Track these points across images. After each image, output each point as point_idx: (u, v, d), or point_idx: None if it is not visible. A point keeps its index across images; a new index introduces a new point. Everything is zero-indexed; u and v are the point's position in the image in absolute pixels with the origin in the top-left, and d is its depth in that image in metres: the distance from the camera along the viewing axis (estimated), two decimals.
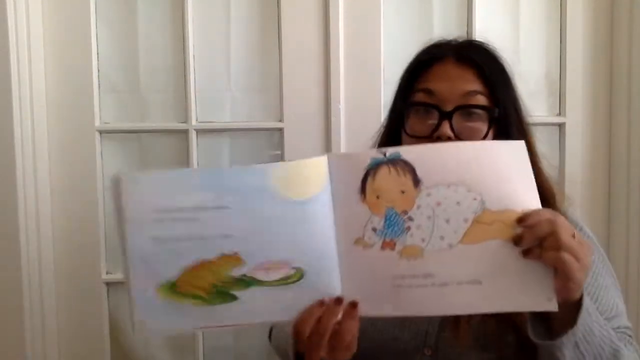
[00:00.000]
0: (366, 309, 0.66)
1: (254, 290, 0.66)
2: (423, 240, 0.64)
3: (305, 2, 1.30)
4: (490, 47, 0.87)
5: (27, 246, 1.24)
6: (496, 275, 0.63)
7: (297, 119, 1.32)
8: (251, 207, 0.64)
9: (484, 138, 0.78)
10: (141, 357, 1.39)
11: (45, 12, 1.27)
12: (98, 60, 1.31)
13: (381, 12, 1.32)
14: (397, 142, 0.86)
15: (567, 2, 1.36)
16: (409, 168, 0.64)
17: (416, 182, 0.64)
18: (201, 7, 1.32)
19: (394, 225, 0.65)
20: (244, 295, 0.66)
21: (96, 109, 1.30)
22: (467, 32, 1.34)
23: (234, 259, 0.65)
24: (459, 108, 0.78)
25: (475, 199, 0.63)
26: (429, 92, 0.81)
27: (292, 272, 0.65)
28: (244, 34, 1.34)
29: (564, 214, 0.80)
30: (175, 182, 0.65)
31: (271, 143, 1.36)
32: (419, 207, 0.64)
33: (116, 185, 0.63)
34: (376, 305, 0.66)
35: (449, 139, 0.77)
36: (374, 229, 0.65)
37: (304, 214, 0.65)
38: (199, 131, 1.34)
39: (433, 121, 0.79)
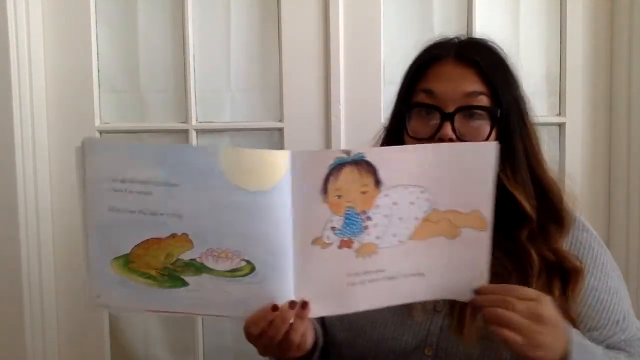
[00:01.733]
0: (318, 310, 0.67)
1: (203, 278, 0.66)
2: (378, 237, 0.66)
3: (305, 2, 1.30)
4: (493, 44, 0.85)
5: (27, 246, 1.24)
6: (437, 268, 0.68)
7: (297, 119, 1.32)
8: (200, 189, 0.64)
9: (487, 138, 0.77)
10: (141, 357, 1.39)
11: (45, 12, 1.27)
12: (98, 60, 1.31)
13: (381, 12, 1.32)
14: (399, 143, 0.85)
15: (567, 2, 1.36)
16: (371, 169, 0.64)
17: (377, 183, 0.65)
18: (201, 7, 1.32)
19: (353, 225, 0.66)
20: (194, 281, 0.67)
21: (96, 109, 1.30)
22: (467, 32, 1.34)
23: (183, 240, 0.65)
24: (460, 109, 0.77)
25: (427, 200, 0.66)
26: (429, 92, 0.80)
27: (242, 264, 0.66)
28: (244, 34, 1.34)
29: (570, 214, 0.81)
30: (130, 154, 0.65)
31: (271, 143, 1.36)
32: (377, 207, 0.65)
33: (80, 150, 0.65)
34: (328, 306, 0.68)
35: (450, 140, 0.76)
36: (333, 228, 0.66)
37: (255, 206, 0.64)
38: (199, 131, 1.34)
39: (435, 122, 0.78)
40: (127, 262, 0.67)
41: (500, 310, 0.63)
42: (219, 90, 1.34)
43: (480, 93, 0.78)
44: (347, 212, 0.65)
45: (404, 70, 0.88)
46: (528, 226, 0.78)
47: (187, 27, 1.31)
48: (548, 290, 0.74)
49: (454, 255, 0.68)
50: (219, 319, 1.38)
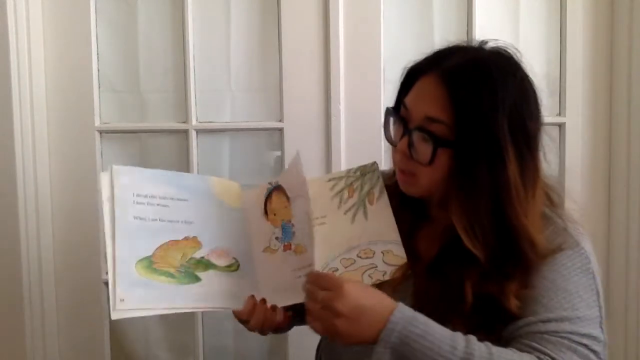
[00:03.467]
0: (280, 300, 0.83)
1: (211, 274, 0.82)
2: (302, 238, 0.85)
3: (305, 2, 1.30)
4: (486, 60, 0.77)
5: (27, 246, 1.24)
6: None
7: (297, 119, 1.32)
8: (201, 203, 0.85)
9: (430, 163, 0.75)
10: (141, 357, 1.39)
11: (45, 12, 1.27)
12: (98, 60, 1.31)
13: (381, 12, 1.32)
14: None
15: (567, 2, 1.36)
16: (283, 190, 0.88)
17: (288, 198, 0.88)
18: (201, 7, 1.32)
19: (287, 232, 0.87)
20: (205, 277, 0.81)
21: (96, 109, 1.31)
22: (467, 32, 1.34)
23: (194, 242, 0.83)
24: (416, 128, 0.77)
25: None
26: (405, 106, 0.80)
27: (232, 261, 0.84)
28: (244, 34, 1.34)
29: (542, 252, 0.74)
30: (148, 176, 0.84)
31: (271, 143, 1.36)
32: (294, 215, 0.87)
33: (112, 174, 0.80)
34: (286, 296, 0.83)
35: (403, 154, 0.78)
36: (277, 238, 0.87)
37: (236, 218, 0.87)
38: (199, 131, 1.34)
39: (400, 133, 0.80)
40: (151, 262, 0.78)
41: (306, 301, 0.72)
42: (219, 90, 1.34)
43: (440, 121, 0.75)
44: (282, 224, 0.87)
45: (404, 69, 0.88)
46: (477, 267, 0.74)
47: (187, 27, 1.31)
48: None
49: None
50: (219, 322, 1.38)
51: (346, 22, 1.31)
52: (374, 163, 0.91)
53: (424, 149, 0.76)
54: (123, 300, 0.75)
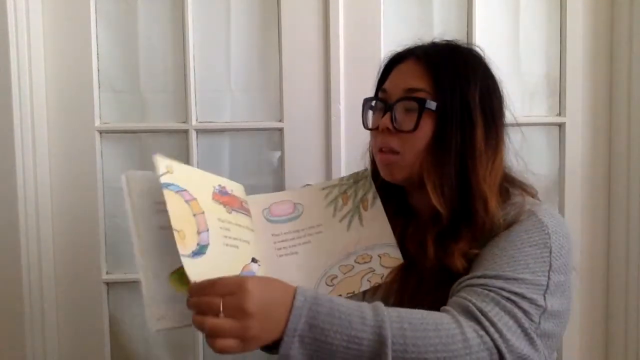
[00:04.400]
0: None
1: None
2: None
3: (305, 2, 1.30)
4: (460, 48, 0.88)
5: (27, 246, 1.24)
6: None
7: (297, 119, 1.32)
8: None
9: (415, 129, 0.81)
10: (141, 357, 1.39)
11: (45, 12, 1.27)
12: (98, 60, 1.31)
13: (381, 12, 1.32)
14: None
15: (567, 2, 1.36)
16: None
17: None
18: (201, 7, 1.32)
19: None
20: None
21: (96, 109, 1.30)
22: (467, 32, 1.34)
23: None
24: (398, 101, 0.83)
25: None
26: (384, 90, 0.88)
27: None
28: (244, 34, 1.34)
29: (494, 217, 0.78)
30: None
31: (271, 143, 1.36)
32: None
33: (125, 183, 0.74)
34: None
35: (387, 129, 0.83)
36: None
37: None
38: (199, 131, 1.34)
39: (381, 113, 0.86)
40: (183, 275, 0.68)
41: (207, 322, 0.62)
42: (219, 90, 1.34)
43: (421, 90, 0.82)
44: None
45: (381, 63, 0.95)
46: (440, 222, 0.80)
47: (187, 27, 1.31)
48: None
49: None
50: None
51: (346, 22, 1.31)
52: (366, 170, 0.92)
53: (408, 119, 0.82)
54: (160, 319, 0.70)
